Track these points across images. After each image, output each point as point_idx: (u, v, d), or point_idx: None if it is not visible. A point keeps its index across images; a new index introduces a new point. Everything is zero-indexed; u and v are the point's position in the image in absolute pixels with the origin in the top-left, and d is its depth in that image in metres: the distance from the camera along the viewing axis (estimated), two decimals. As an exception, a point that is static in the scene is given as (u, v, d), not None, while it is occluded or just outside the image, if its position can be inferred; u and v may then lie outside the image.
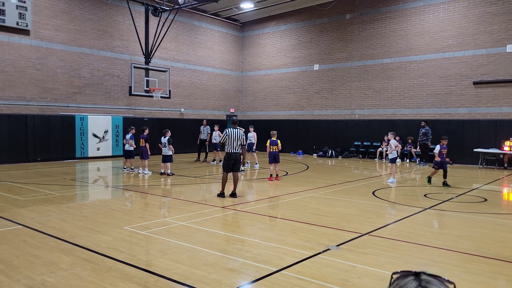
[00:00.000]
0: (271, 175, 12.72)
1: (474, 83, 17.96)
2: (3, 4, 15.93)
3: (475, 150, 17.34)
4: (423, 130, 17.90)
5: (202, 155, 18.60)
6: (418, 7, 19.53)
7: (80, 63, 18.72)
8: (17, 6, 16.33)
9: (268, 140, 12.82)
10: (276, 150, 12.53)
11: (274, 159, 12.49)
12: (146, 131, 14.19)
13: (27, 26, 16.73)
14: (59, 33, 17.95)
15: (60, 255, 5.21)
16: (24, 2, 16.52)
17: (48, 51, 17.62)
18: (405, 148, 19.15)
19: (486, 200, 9.63)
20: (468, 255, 5.41)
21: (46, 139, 17.43)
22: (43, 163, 16.81)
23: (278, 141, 12.65)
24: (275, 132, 13.04)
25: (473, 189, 11.34)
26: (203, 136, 18.24)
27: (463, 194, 10.47)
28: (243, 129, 10.06)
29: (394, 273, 0.96)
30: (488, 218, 7.82)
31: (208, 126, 18.36)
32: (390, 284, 0.95)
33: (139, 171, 14.09)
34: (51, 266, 4.80)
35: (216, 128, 17.48)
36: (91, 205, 8.75)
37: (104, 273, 4.58)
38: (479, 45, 17.85)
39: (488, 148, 17.24)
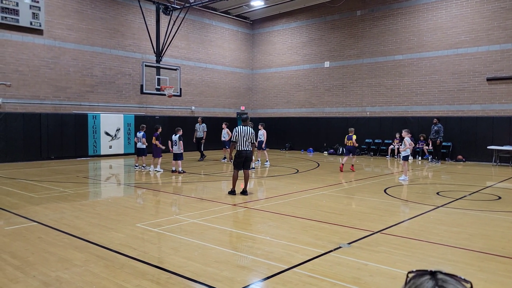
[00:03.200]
0: (342, 164, 14.30)
1: (488, 80, 17.70)
2: (17, 4, 16.16)
3: (488, 147, 17.11)
4: (436, 128, 17.67)
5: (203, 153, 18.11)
6: (430, 2, 19.30)
7: (92, 62, 18.91)
8: (30, 6, 16.55)
9: (346, 136, 14.52)
10: (351, 145, 14.19)
11: (348, 152, 14.36)
12: (160, 130, 14.28)
13: (40, 26, 16.94)
14: (72, 32, 18.15)
15: (74, 252, 5.29)
16: (38, 2, 16.73)
17: (61, 50, 17.83)
18: (417, 146, 18.96)
19: (500, 198, 9.51)
20: (482, 253, 5.35)
21: (59, 137, 17.66)
22: (57, 161, 17.04)
23: (354, 136, 14.25)
24: (352, 128, 14.72)
25: (487, 187, 11.19)
26: (198, 134, 17.70)
27: (477, 192, 10.35)
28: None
29: (409, 272, 0.96)
30: (503, 216, 7.71)
31: (204, 124, 17.80)
32: (406, 283, 0.95)
33: (150, 169, 14.19)
34: (66, 262, 4.87)
35: (224, 126, 17.47)
36: (104, 203, 8.85)
37: (117, 270, 4.63)
38: (493, 41, 17.58)
39: (502, 145, 16.99)
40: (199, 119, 18.13)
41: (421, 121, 19.48)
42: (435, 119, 17.93)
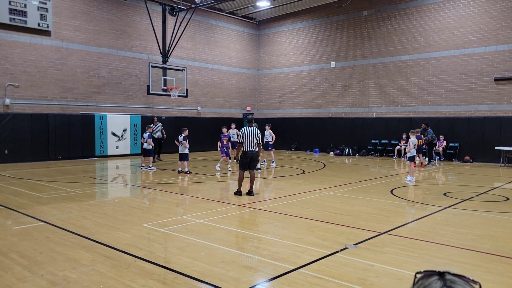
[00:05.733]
0: (421, 162, 15.84)
1: (496, 80, 17.57)
2: (25, 6, 16.30)
3: (496, 148, 16.97)
4: (429, 136, 16.86)
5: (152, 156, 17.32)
6: (437, 2, 19.19)
7: (99, 63, 19.02)
8: (38, 7, 16.69)
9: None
10: (420, 143, 15.09)
11: (417, 150, 14.89)
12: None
13: (48, 27, 17.07)
14: (79, 33, 18.27)
15: (81, 251, 5.32)
16: (45, 3, 16.87)
17: (68, 51, 17.95)
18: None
19: (508, 199, 9.43)
20: (490, 255, 5.31)
21: (66, 138, 17.77)
22: (64, 161, 17.16)
23: (422, 136, 15.67)
24: (418, 129, 15.29)
25: (495, 188, 11.10)
26: (158, 135, 17.01)
27: (484, 193, 10.27)
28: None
29: (417, 273, 0.96)
30: (510, 217, 7.65)
31: (159, 123, 17.43)
32: (414, 284, 0.94)
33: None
34: (73, 262, 4.91)
35: (233, 126, 17.48)
36: (111, 203, 8.90)
37: (124, 270, 4.66)
38: (501, 41, 17.45)
39: (510, 146, 16.85)
40: (155, 119, 17.57)
41: (428, 121, 19.30)
42: (423, 124, 17.05)
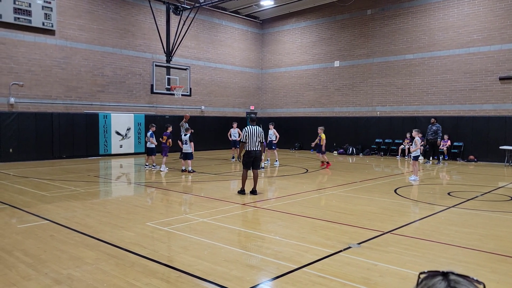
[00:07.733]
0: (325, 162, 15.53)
1: (500, 79, 17.47)
2: (30, 5, 16.37)
3: (501, 147, 16.89)
4: (434, 128, 17.20)
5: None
6: (442, 1, 19.10)
7: (103, 62, 19.07)
8: (42, 7, 16.75)
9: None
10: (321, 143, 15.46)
11: (317, 149, 15.60)
12: (170, 129, 14.43)
13: (52, 26, 17.13)
14: (83, 32, 18.32)
15: (85, 250, 5.34)
16: (50, 2, 16.92)
17: (72, 50, 18.01)
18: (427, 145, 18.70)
19: (512, 199, 9.39)
20: (494, 254, 5.28)
21: (70, 137, 17.84)
22: (68, 160, 17.23)
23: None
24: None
25: (499, 187, 11.05)
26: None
27: (488, 192, 10.22)
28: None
29: (421, 273, 0.95)
30: (515, 217, 7.61)
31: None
32: (418, 284, 0.94)
33: (161, 169, 14.18)
34: (77, 260, 4.93)
35: (234, 125, 17.50)
36: (115, 202, 8.92)
37: (127, 268, 4.67)
38: (506, 40, 17.34)
39: (515, 146, 16.77)
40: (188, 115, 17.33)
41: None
42: (432, 119, 17.54)
